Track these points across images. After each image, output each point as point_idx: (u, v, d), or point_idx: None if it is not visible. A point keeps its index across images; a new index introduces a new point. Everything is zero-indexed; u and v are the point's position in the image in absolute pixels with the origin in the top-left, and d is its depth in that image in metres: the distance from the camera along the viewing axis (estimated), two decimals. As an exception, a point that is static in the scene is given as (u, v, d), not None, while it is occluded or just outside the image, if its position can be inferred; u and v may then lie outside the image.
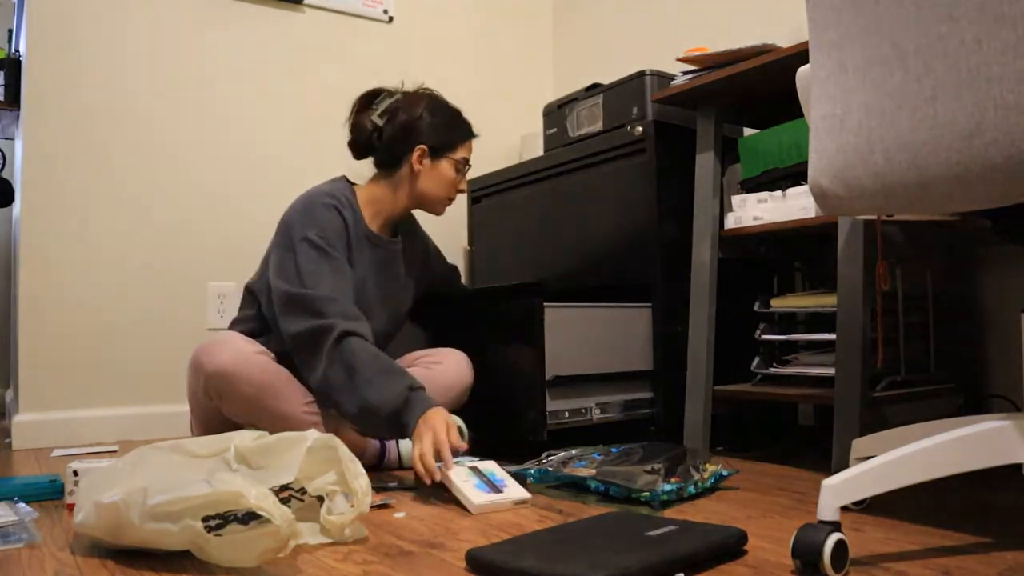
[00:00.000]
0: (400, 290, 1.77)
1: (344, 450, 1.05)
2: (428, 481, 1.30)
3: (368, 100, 1.73)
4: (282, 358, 1.59)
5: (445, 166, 1.71)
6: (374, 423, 1.43)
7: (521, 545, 0.93)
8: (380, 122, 1.70)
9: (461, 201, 2.62)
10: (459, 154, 1.73)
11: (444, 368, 1.70)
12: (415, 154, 1.68)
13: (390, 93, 1.73)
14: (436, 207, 1.76)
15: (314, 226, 1.57)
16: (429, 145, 1.68)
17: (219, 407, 1.52)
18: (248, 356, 1.50)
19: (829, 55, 0.98)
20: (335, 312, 1.47)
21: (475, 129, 1.78)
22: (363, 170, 1.79)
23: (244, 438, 1.08)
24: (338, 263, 1.56)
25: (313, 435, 1.04)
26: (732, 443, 1.80)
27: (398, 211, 1.74)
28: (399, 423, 1.39)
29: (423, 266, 1.86)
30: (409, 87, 1.75)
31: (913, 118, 0.89)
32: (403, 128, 1.68)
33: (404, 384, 1.40)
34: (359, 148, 1.74)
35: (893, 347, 1.55)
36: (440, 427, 1.35)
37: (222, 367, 1.48)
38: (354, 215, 1.66)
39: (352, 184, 1.73)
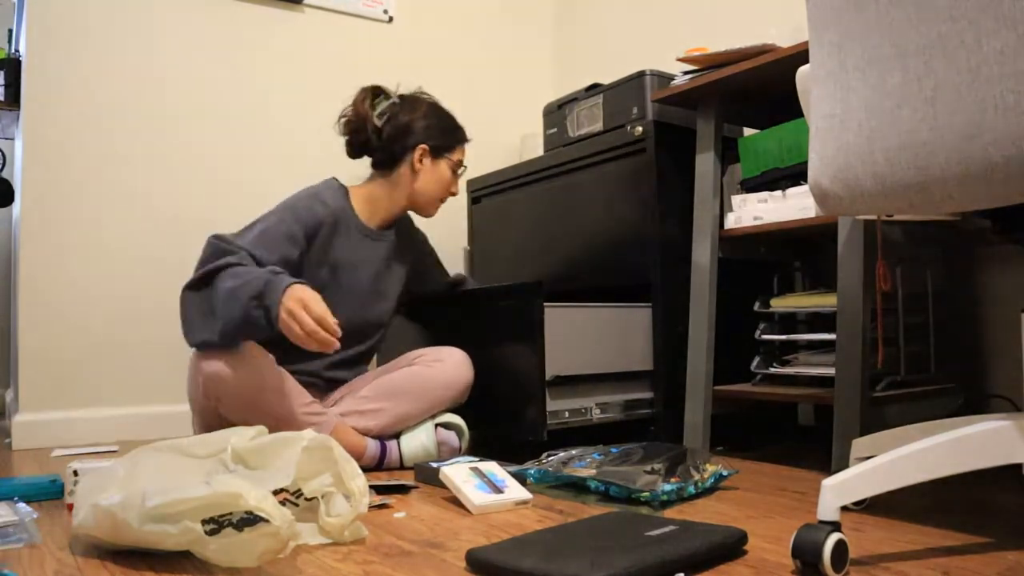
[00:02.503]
0: (394, 282, 1.82)
1: (340, 451, 1.05)
2: (337, 345, 1.40)
3: (365, 99, 1.74)
4: (280, 360, 1.60)
5: (444, 167, 1.78)
6: (235, 317, 1.42)
7: (521, 545, 0.93)
8: (379, 122, 1.73)
9: (461, 201, 2.62)
10: (456, 156, 1.81)
11: (444, 366, 1.70)
12: (416, 153, 1.74)
13: (388, 95, 1.76)
14: (430, 207, 1.82)
15: (287, 213, 1.63)
16: (430, 145, 1.75)
17: (218, 408, 1.52)
18: (246, 358, 1.50)
19: (829, 55, 0.98)
20: (240, 250, 1.52)
21: (472, 131, 1.88)
22: (357, 170, 1.80)
23: (241, 437, 1.08)
24: (283, 243, 1.58)
25: (309, 435, 1.04)
26: (732, 443, 1.80)
27: (395, 210, 1.79)
28: (262, 306, 1.40)
29: (415, 263, 1.90)
30: (404, 90, 1.80)
31: (913, 118, 0.89)
32: (405, 128, 1.74)
33: (266, 271, 1.45)
34: (356, 147, 1.78)
35: (893, 347, 1.55)
36: (309, 298, 1.39)
37: (220, 369, 1.48)
38: (344, 210, 1.71)
39: (344, 185, 1.77)
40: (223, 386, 1.49)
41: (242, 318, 1.42)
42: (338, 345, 1.42)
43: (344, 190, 1.76)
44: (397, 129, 1.74)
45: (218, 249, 1.52)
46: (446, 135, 1.79)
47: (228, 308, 1.43)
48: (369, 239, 1.76)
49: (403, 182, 1.76)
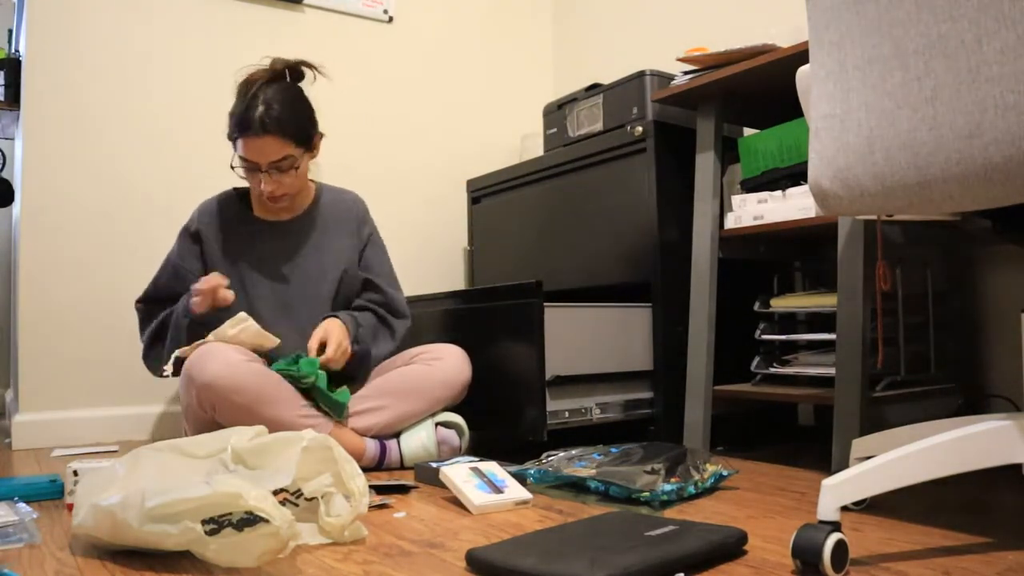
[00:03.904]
0: (323, 266, 1.78)
1: (340, 451, 1.05)
2: (231, 297, 1.61)
3: None
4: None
5: (235, 159, 1.68)
6: (178, 336, 1.66)
7: (521, 545, 0.93)
8: None
9: (461, 201, 2.62)
10: (239, 151, 1.66)
11: (443, 364, 1.70)
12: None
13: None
14: (263, 201, 1.74)
15: (173, 250, 1.81)
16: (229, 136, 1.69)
17: (214, 418, 1.52)
18: (238, 366, 1.50)
19: (829, 55, 0.98)
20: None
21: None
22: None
23: (241, 437, 1.08)
24: (172, 259, 1.78)
25: (309, 435, 1.04)
26: (732, 443, 1.80)
27: (264, 199, 1.72)
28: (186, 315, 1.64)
29: (347, 258, 1.81)
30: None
31: (913, 118, 0.89)
32: None
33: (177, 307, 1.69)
34: None
35: (893, 347, 1.55)
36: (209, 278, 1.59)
37: (213, 379, 1.48)
38: (226, 211, 1.79)
39: (243, 190, 1.83)
40: (217, 396, 1.48)
41: (183, 331, 1.66)
42: (225, 280, 1.61)
43: (235, 193, 1.81)
44: None
45: (144, 313, 1.78)
46: (230, 126, 1.67)
47: (174, 337, 1.68)
48: (268, 232, 1.77)
49: None
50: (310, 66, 1.77)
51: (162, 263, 1.80)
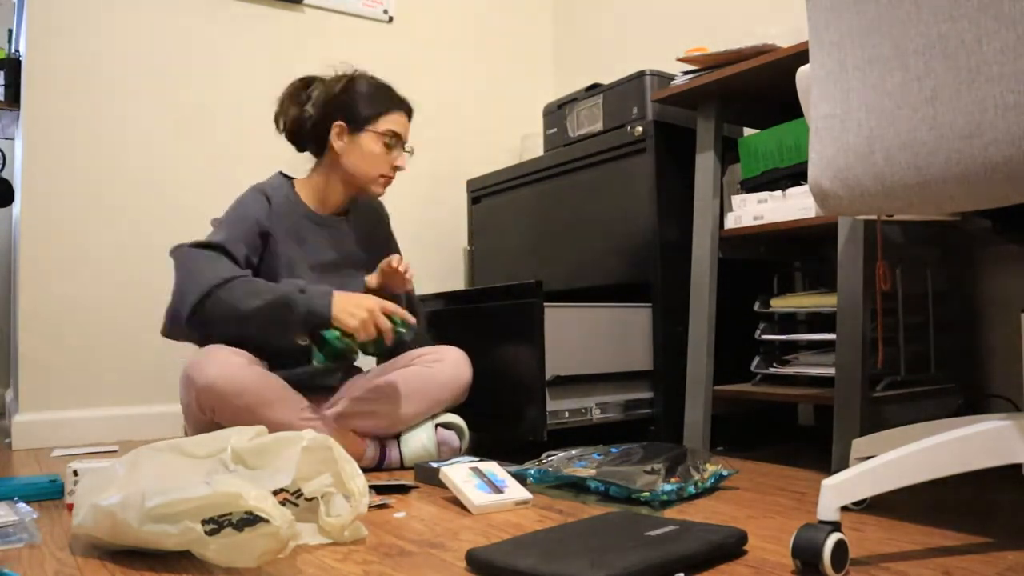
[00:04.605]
0: (352, 266, 1.78)
1: (340, 451, 1.05)
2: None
3: (298, 91, 1.75)
4: (274, 366, 1.59)
5: (367, 140, 1.69)
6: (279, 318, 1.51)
7: (521, 545, 0.93)
8: (311, 111, 1.72)
9: (461, 201, 2.62)
10: (382, 127, 1.70)
11: (443, 366, 1.70)
12: (333, 132, 1.70)
13: (321, 81, 1.76)
14: (370, 186, 1.74)
15: (236, 216, 1.64)
16: (347, 120, 1.69)
17: (214, 420, 1.51)
18: (238, 368, 1.49)
19: (829, 55, 0.98)
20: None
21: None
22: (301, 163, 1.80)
23: (241, 437, 1.08)
24: (234, 230, 1.61)
25: (309, 435, 1.04)
26: (732, 443, 1.80)
27: (339, 196, 1.75)
28: (310, 307, 1.50)
29: (376, 252, 1.83)
30: (345, 71, 1.77)
31: (913, 118, 0.89)
32: (322, 108, 1.70)
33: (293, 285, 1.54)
34: (295, 139, 1.78)
35: (893, 347, 1.55)
36: (366, 298, 1.52)
37: (213, 382, 1.47)
38: (288, 200, 1.71)
39: (291, 177, 1.77)
40: (217, 398, 1.48)
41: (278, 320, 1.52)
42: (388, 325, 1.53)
43: (288, 182, 1.76)
44: (319, 112, 1.71)
45: (209, 258, 1.55)
46: (368, 107, 1.69)
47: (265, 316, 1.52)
48: (322, 227, 1.74)
49: (333, 164, 1.72)
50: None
51: (233, 216, 1.64)
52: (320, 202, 1.76)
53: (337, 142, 1.70)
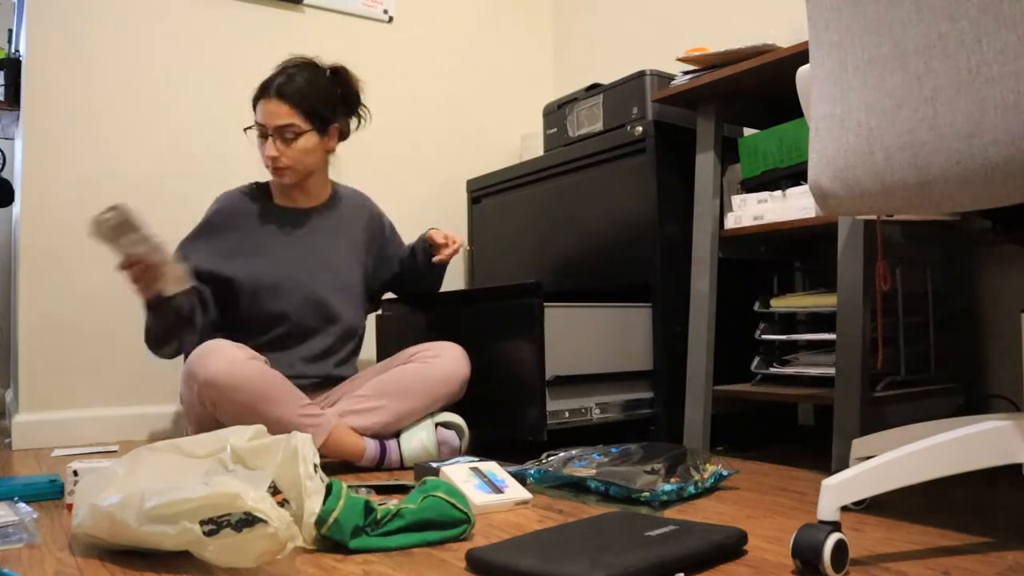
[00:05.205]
0: (339, 255, 1.84)
1: (307, 467, 1.01)
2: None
3: None
4: (274, 363, 1.60)
5: (254, 135, 1.79)
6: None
7: (521, 545, 0.93)
8: None
9: (461, 201, 2.62)
10: (257, 118, 1.76)
11: (441, 362, 1.71)
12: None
13: None
14: (274, 176, 1.79)
15: (197, 228, 1.80)
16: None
17: (215, 415, 1.52)
18: (241, 363, 1.50)
19: (829, 55, 0.98)
20: None
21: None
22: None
23: (240, 437, 1.08)
24: (200, 242, 1.76)
25: (292, 439, 1.03)
26: (732, 443, 1.80)
27: (290, 186, 1.81)
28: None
29: (374, 246, 1.93)
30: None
31: (913, 118, 0.89)
32: None
33: None
34: None
35: (893, 347, 1.55)
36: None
37: (215, 376, 1.48)
38: (250, 200, 1.82)
39: (264, 183, 1.87)
40: (219, 393, 1.48)
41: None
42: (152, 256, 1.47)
43: (256, 184, 1.85)
44: None
45: None
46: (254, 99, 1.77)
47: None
48: (293, 220, 1.81)
49: None
50: (351, 80, 1.85)
51: (193, 232, 1.81)
52: (286, 196, 1.84)
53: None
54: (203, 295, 1.71)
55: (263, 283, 1.74)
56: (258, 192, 1.85)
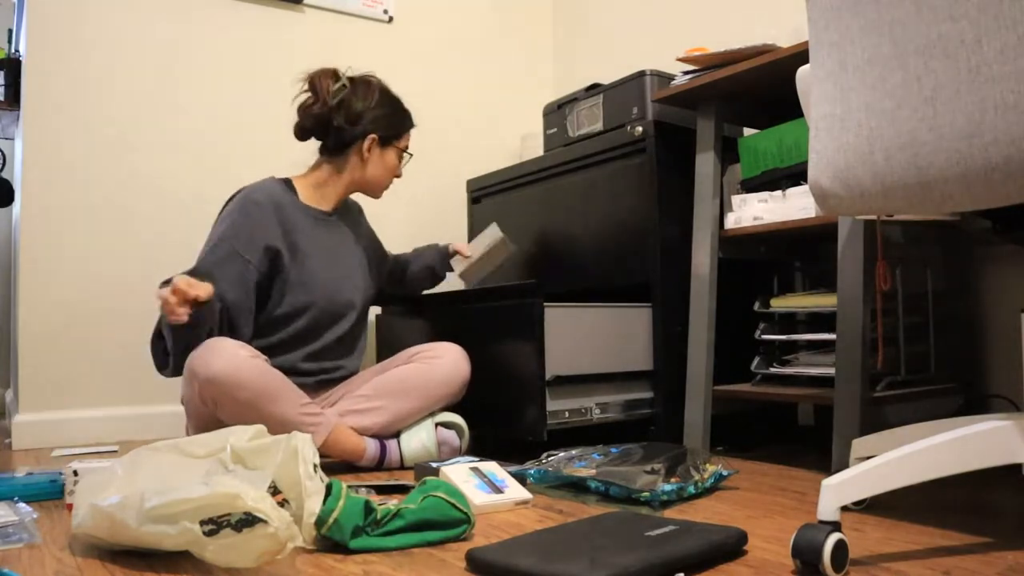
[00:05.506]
0: (356, 262, 1.85)
1: (306, 467, 1.01)
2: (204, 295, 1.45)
3: (327, 83, 1.77)
4: (276, 362, 1.60)
5: (391, 154, 1.84)
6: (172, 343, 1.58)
7: (521, 545, 0.93)
8: (342, 115, 1.77)
9: (461, 201, 2.63)
10: (403, 143, 1.87)
11: (442, 362, 1.71)
12: (366, 142, 1.79)
13: (339, 78, 1.79)
14: (377, 192, 1.87)
15: (236, 226, 1.66)
16: (380, 135, 1.80)
17: (215, 413, 1.52)
18: (242, 361, 1.50)
19: (829, 55, 0.98)
20: None
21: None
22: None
23: (240, 437, 1.08)
24: (239, 266, 1.63)
25: (292, 440, 1.03)
26: (732, 443, 1.80)
27: (342, 194, 1.84)
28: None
29: (370, 249, 1.95)
30: (354, 73, 1.82)
31: (913, 118, 0.89)
32: (357, 116, 1.77)
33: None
34: (306, 132, 1.81)
35: (893, 347, 1.55)
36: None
37: (216, 374, 1.47)
38: (285, 200, 1.74)
39: (286, 179, 1.80)
40: (220, 391, 1.48)
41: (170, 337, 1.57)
42: (193, 289, 1.44)
43: (284, 182, 1.78)
44: (349, 116, 1.76)
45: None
46: (395, 124, 1.83)
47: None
48: (320, 222, 1.79)
49: (351, 168, 1.81)
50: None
51: (214, 241, 1.66)
52: (320, 198, 1.82)
53: (367, 152, 1.79)
54: (221, 314, 1.64)
55: (299, 280, 1.71)
56: (290, 193, 1.77)
